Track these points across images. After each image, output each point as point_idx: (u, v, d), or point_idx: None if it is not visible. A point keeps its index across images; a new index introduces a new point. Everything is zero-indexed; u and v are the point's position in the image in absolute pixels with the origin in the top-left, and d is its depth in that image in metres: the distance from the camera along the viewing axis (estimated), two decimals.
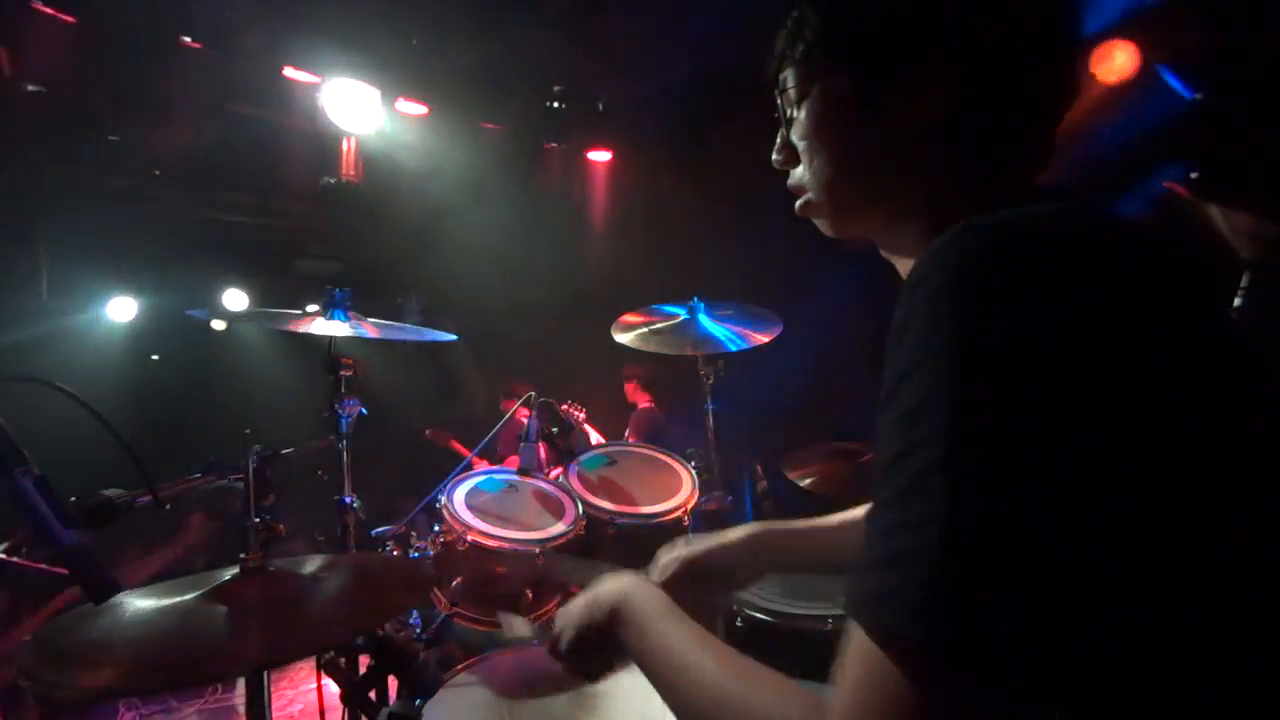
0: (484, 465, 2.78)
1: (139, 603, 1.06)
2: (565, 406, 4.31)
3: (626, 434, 4.45)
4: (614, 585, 0.90)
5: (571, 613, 0.95)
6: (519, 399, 2.14)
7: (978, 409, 0.49)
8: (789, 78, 0.77)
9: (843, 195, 0.76)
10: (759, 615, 1.68)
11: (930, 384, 0.50)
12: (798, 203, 0.81)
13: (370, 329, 1.80)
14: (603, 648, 0.89)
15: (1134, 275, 0.54)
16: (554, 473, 2.25)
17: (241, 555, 1.17)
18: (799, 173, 0.79)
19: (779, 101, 0.79)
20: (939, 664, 0.47)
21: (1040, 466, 0.47)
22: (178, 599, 1.08)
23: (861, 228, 0.78)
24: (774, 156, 0.82)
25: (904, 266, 0.78)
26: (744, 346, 2.19)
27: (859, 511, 1.16)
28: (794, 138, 0.78)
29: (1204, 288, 0.58)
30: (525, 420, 2.11)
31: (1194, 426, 0.51)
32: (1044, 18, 0.68)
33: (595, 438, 4.09)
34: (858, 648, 0.50)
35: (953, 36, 0.67)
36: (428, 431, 4.96)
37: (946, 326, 0.51)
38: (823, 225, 0.81)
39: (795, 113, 0.77)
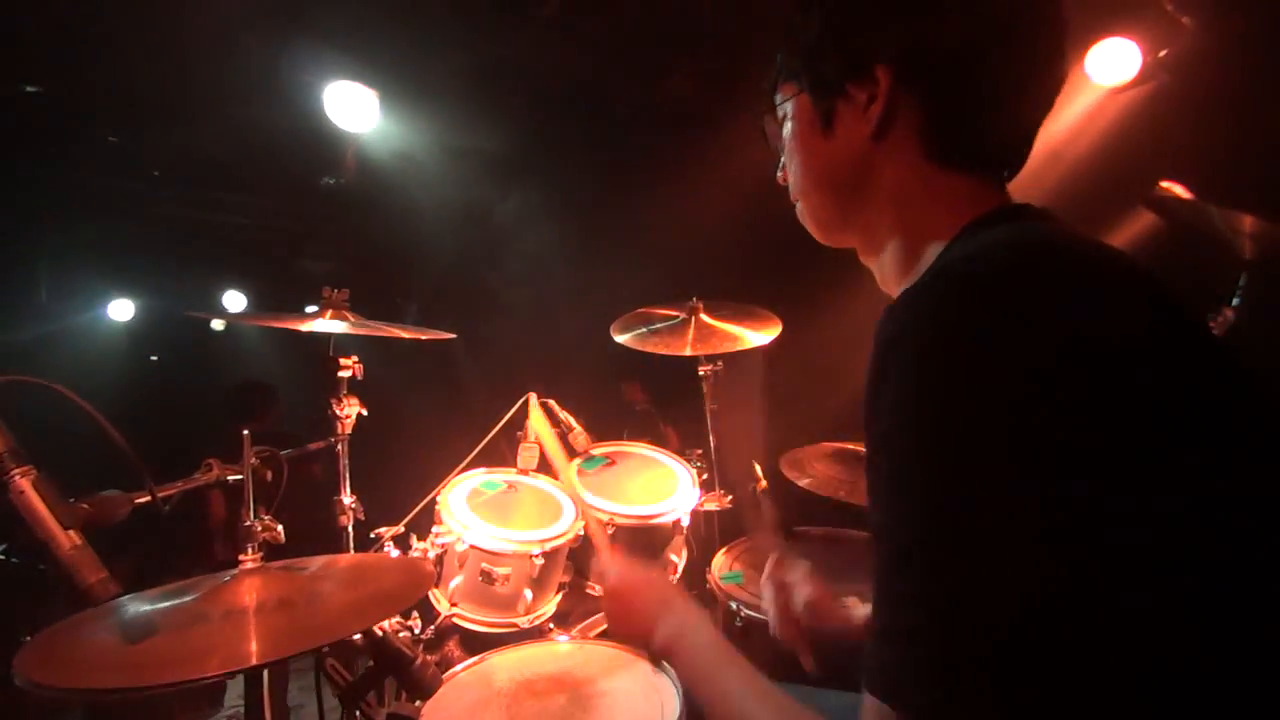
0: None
1: (139, 604, 1.06)
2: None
3: (624, 436, 4.45)
4: (669, 623, 0.91)
5: (617, 619, 1.02)
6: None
7: (947, 488, 0.51)
8: (777, 102, 0.85)
9: (818, 204, 0.83)
10: (758, 615, 1.68)
11: (905, 454, 0.53)
12: (797, 212, 0.88)
13: (369, 329, 1.80)
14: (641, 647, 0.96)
15: (1099, 332, 0.55)
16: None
17: (240, 556, 1.17)
18: (791, 185, 0.86)
19: (775, 126, 0.87)
20: None
21: (1005, 545, 0.50)
22: (178, 600, 1.08)
23: (839, 236, 0.84)
24: (776, 174, 0.90)
25: (879, 273, 0.83)
26: (744, 346, 2.19)
27: None
28: (783, 156, 0.86)
29: (1170, 313, 0.60)
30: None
31: (1168, 484, 0.52)
32: (992, 27, 0.70)
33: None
34: (872, 712, 0.53)
35: (894, 49, 0.71)
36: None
37: (913, 397, 0.53)
38: (813, 233, 0.87)
39: (782, 134, 0.85)
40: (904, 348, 0.55)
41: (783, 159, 0.86)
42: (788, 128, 0.82)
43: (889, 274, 0.80)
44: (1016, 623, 0.49)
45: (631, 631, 0.98)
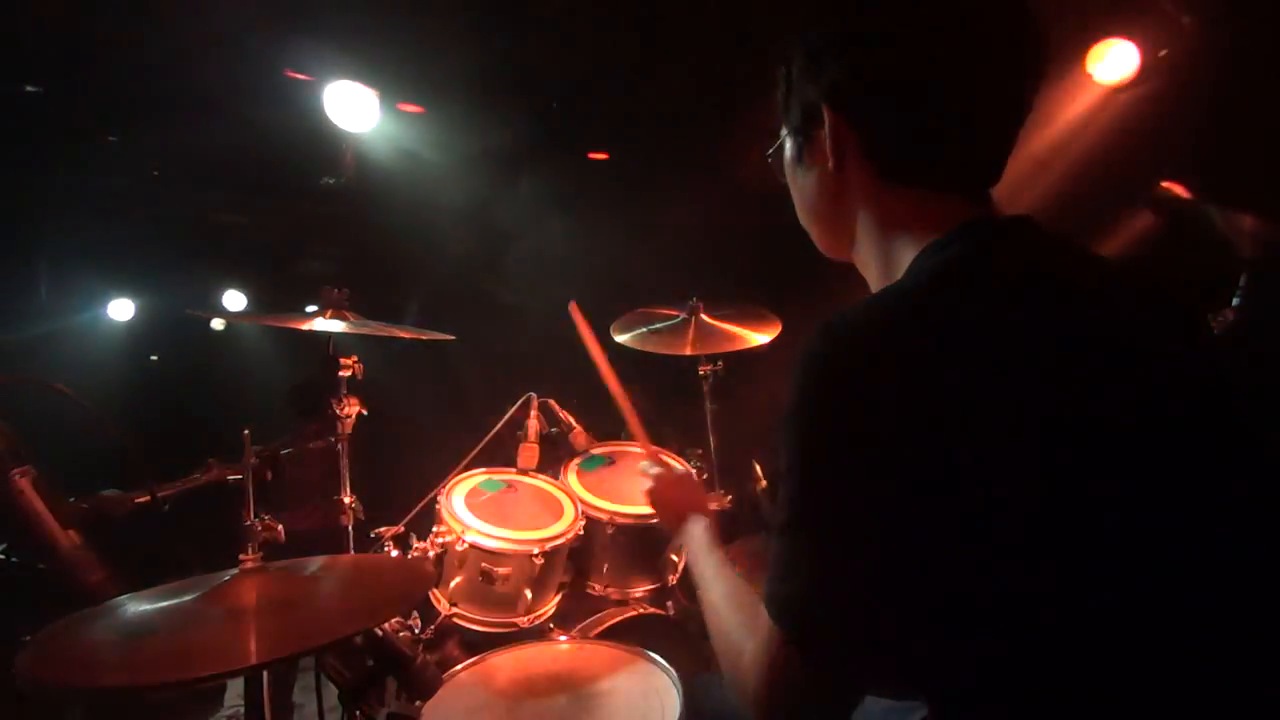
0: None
1: (139, 603, 1.06)
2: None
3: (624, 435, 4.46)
4: (690, 528, 1.23)
5: (662, 501, 1.35)
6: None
7: (807, 484, 0.70)
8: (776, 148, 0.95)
9: (815, 234, 0.94)
10: None
11: (785, 455, 0.70)
12: None
13: (369, 329, 1.80)
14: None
15: (924, 367, 0.66)
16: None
17: (240, 556, 1.17)
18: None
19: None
20: (797, 648, 0.69)
21: (847, 524, 0.67)
22: (177, 600, 1.08)
23: (837, 253, 0.93)
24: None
25: (872, 285, 0.89)
26: (744, 346, 2.20)
27: None
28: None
29: (1032, 342, 0.68)
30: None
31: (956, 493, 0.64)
32: (906, 61, 0.77)
33: None
34: (765, 620, 0.72)
35: (829, 88, 0.81)
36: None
37: (789, 412, 0.70)
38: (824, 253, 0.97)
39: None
40: (794, 371, 0.70)
41: None
42: (783, 161, 0.94)
43: (877, 285, 0.87)
44: (852, 579, 0.67)
45: (668, 519, 1.29)
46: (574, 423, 2.19)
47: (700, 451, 2.33)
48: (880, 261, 0.84)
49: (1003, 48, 0.76)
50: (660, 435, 4.33)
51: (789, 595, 0.70)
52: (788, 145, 0.91)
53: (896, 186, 0.81)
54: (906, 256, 0.79)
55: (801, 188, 0.91)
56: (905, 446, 0.64)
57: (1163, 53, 2.59)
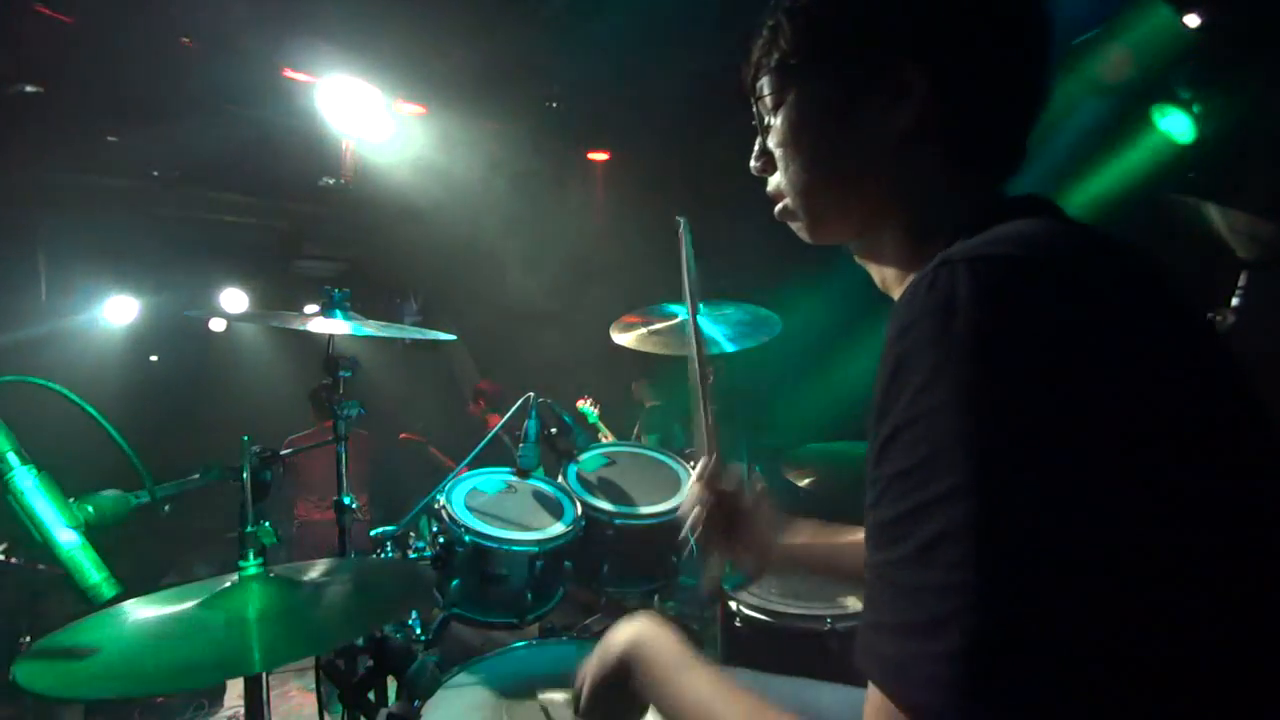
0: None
1: (140, 607, 1.06)
2: (581, 401, 4.43)
3: (635, 434, 4.49)
4: (624, 632, 0.85)
5: (587, 667, 0.89)
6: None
7: (996, 468, 0.47)
8: (765, 85, 0.77)
9: (818, 202, 0.76)
10: (758, 615, 1.68)
11: (936, 439, 0.49)
12: (776, 208, 0.81)
13: (369, 329, 1.80)
14: (620, 700, 0.85)
15: (1118, 301, 0.53)
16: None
17: (240, 560, 1.17)
18: (776, 179, 0.79)
19: (755, 108, 0.79)
20: None
21: (1066, 528, 0.46)
22: (179, 604, 1.08)
23: (837, 234, 0.78)
24: (752, 163, 0.82)
25: (878, 274, 0.78)
26: (744, 346, 2.19)
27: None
28: (770, 144, 0.78)
29: (1181, 297, 0.58)
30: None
31: (1207, 458, 0.50)
32: (1017, 26, 0.68)
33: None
34: (881, 710, 0.49)
35: (928, 45, 0.67)
36: (402, 435, 4.87)
37: (946, 377, 0.49)
38: (800, 231, 0.80)
39: (771, 120, 0.77)
40: (922, 326, 0.51)
41: (765, 146, 0.79)
42: (790, 112, 0.75)
43: (890, 276, 0.76)
44: (1058, 619, 0.46)
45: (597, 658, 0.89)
46: (573, 424, 2.18)
47: (700, 452, 2.32)
48: (907, 243, 0.73)
49: (1049, 19, 0.70)
50: (669, 435, 4.34)
51: (965, 648, 0.45)
52: (817, 88, 0.73)
53: (955, 164, 0.70)
54: (940, 239, 0.67)
55: (826, 144, 0.73)
56: (1136, 418, 0.49)
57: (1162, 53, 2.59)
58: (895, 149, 0.70)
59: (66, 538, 1.02)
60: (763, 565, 1.12)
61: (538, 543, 1.85)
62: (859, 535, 1.14)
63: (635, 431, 4.52)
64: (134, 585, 1.10)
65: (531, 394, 2.10)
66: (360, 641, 1.28)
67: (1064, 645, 0.46)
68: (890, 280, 0.77)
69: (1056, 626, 0.46)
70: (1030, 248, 0.55)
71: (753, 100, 0.79)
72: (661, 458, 2.29)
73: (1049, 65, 0.70)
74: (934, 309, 0.51)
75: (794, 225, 0.80)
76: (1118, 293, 0.54)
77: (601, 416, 4.57)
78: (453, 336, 2.12)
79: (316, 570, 1.23)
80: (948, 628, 0.46)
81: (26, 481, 1.00)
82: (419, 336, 2.01)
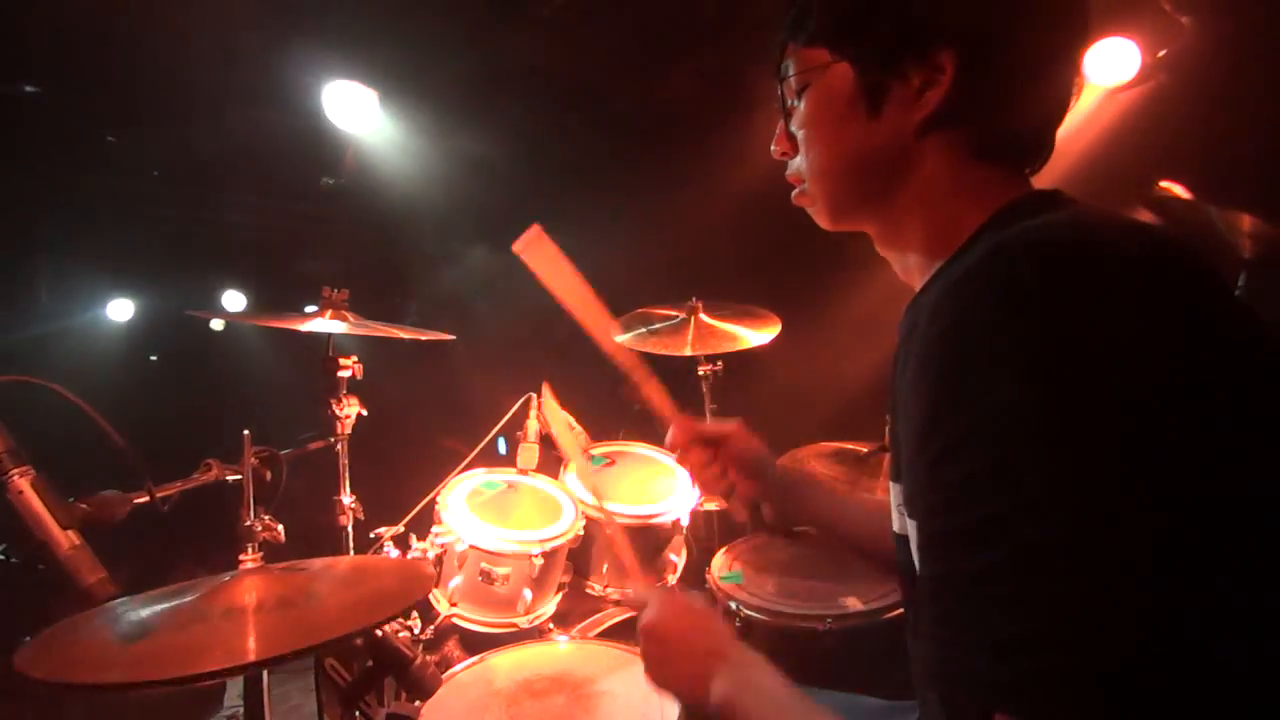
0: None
1: (138, 604, 1.06)
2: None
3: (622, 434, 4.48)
4: (727, 679, 0.74)
5: (668, 679, 0.81)
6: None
7: (1096, 464, 0.44)
8: (790, 66, 0.76)
9: (840, 187, 0.75)
10: (757, 615, 1.68)
11: (1017, 436, 0.46)
12: (794, 192, 0.80)
13: (369, 329, 1.80)
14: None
15: (1189, 286, 0.51)
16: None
17: (240, 556, 1.17)
18: (797, 163, 0.78)
19: (779, 90, 0.78)
20: None
21: (1165, 524, 0.44)
22: (177, 600, 1.07)
23: (857, 221, 0.77)
24: (772, 146, 0.81)
25: (900, 262, 0.77)
26: (744, 346, 2.19)
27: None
28: (793, 127, 0.77)
29: (1225, 284, 0.56)
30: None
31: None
32: (1049, 16, 0.67)
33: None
34: None
35: (958, 30, 0.66)
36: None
37: (1022, 368, 0.46)
38: (817, 216, 0.80)
39: (795, 102, 0.76)
40: (980, 319, 0.49)
41: (788, 129, 0.78)
42: (809, 97, 0.74)
43: (913, 264, 0.75)
44: (1181, 621, 0.43)
45: (678, 686, 0.79)
46: (574, 423, 2.18)
47: None
48: (931, 233, 0.71)
49: (1079, 6, 0.69)
50: (659, 436, 4.33)
51: (1078, 666, 0.43)
52: (840, 73, 0.71)
53: (980, 156, 0.69)
54: (966, 229, 0.67)
55: (848, 131, 0.72)
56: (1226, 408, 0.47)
57: (1162, 53, 2.59)
58: (921, 135, 0.69)
59: (66, 538, 1.02)
60: (770, 503, 1.13)
61: (537, 542, 1.85)
62: (862, 500, 1.12)
63: (621, 434, 4.51)
64: (134, 585, 1.10)
65: (532, 394, 2.10)
66: (359, 641, 1.28)
67: (1187, 649, 0.44)
68: (914, 268, 0.75)
69: (1180, 630, 0.44)
70: (1090, 232, 0.54)
71: (778, 82, 0.78)
72: (661, 458, 2.29)
73: (1081, 56, 0.70)
74: (997, 298, 0.49)
75: (811, 211, 0.80)
76: (1187, 279, 0.52)
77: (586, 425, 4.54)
78: (452, 336, 2.13)
79: (316, 567, 1.23)
80: (1076, 641, 0.43)
81: (26, 481, 1.00)
82: (419, 337, 2.00)
